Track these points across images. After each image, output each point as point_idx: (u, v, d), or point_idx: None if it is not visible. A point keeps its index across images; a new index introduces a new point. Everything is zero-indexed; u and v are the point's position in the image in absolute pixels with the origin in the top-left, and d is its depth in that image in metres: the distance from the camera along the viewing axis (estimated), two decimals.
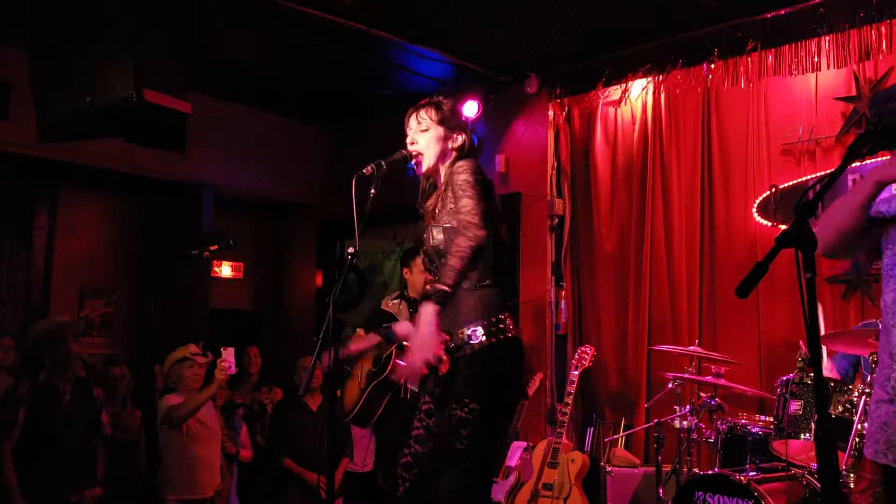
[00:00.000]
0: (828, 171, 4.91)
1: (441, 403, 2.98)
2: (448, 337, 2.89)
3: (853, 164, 2.83)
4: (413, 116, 3.12)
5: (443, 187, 3.10)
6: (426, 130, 3.08)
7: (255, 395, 6.14)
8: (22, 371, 4.73)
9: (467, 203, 2.88)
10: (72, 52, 4.12)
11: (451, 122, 3.12)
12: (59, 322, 4.70)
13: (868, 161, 4.36)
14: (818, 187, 1.98)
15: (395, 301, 5.30)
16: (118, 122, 4.49)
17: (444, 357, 2.89)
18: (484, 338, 2.87)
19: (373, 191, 3.02)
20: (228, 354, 4.66)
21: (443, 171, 3.11)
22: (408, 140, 3.10)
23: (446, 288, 2.78)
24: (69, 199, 7.19)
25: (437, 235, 3.00)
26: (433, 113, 3.09)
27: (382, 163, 2.96)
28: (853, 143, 2.13)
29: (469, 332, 2.89)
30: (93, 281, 7.30)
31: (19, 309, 6.84)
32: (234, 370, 4.68)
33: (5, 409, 4.28)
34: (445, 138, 3.09)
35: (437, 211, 3.07)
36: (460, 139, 3.11)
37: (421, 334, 2.74)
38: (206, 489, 4.84)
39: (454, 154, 3.10)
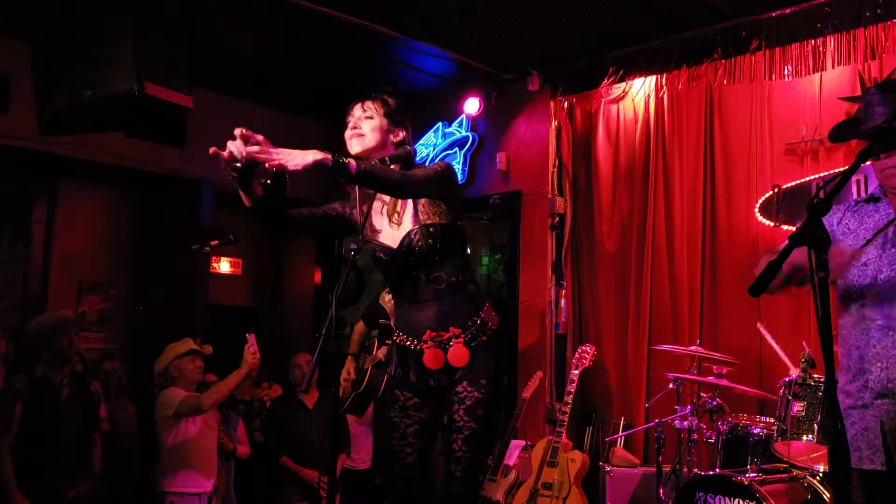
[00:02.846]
0: (832, 171, 4.91)
1: (432, 394, 3.07)
2: (459, 330, 3.00)
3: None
4: (358, 105, 3.16)
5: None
6: (370, 118, 3.11)
7: (255, 392, 6.12)
8: (18, 365, 4.70)
9: (435, 168, 3.04)
10: (73, 45, 4.09)
11: (396, 115, 3.16)
12: (63, 318, 4.67)
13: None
14: (829, 187, 1.95)
15: (390, 297, 5.31)
16: (119, 116, 4.45)
17: (464, 349, 2.98)
18: (491, 323, 3.06)
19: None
20: (253, 339, 4.67)
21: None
22: (349, 126, 3.13)
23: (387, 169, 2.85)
24: (68, 193, 7.15)
25: (425, 233, 3.01)
26: (379, 106, 3.13)
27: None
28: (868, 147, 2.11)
29: (479, 321, 3.03)
30: (91, 276, 7.26)
31: (17, 303, 6.80)
32: (258, 354, 4.69)
33: (2, 404, 4.25)
34: (388, 131, 3.13)
35: (400, 213, 3.09)
36: (402, 134, 3.16)
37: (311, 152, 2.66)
38: (203, 483, 4.81)
39: (393, 149, 3.13)
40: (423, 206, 3.05)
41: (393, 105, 3.16)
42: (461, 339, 3.00)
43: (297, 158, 2.63)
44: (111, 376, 5.67)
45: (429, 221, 3.02)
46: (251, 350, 4.66)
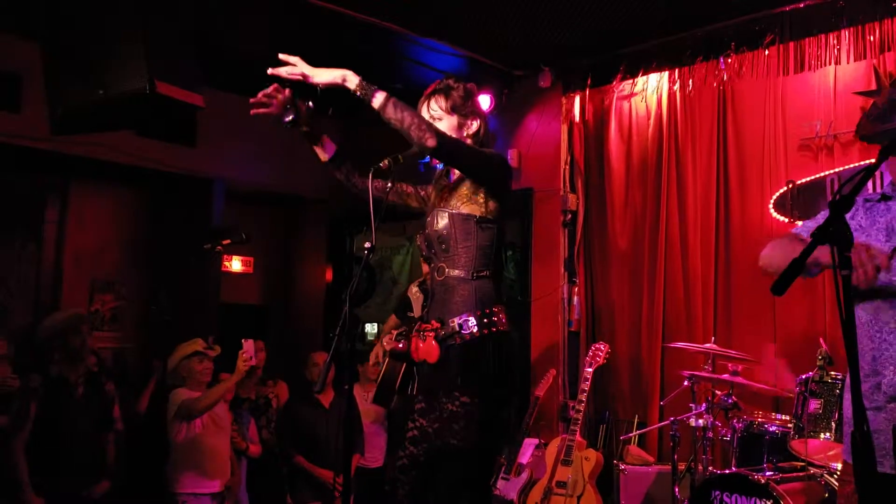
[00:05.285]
0: (848, 166, 4.86)
1: (431, 399, 2.93)
2: (439, 325, 2.86)
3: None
4: (424, 107, 3.04)
5: (458, 177, 3.05)
6: (439, 120, 3.00)
7: (260, 390, 6.11)
8: (33, 364, 4.70)
9: (489, 151, 3.00)
10: (84, 44, 4.07)
11: (463, 108, 3.04)
12: (74, 316, 4.67)
13: None
14: (852, 184, 1.92)
15: (416, 289, 5.31)
16: (130, 115, 4.44)
17: (434, 343, 2.84)
18: (476, 329, 2.83)
19: (389, 185, 2.97)
20: (249, 346, 4.63)
21: None
22: None
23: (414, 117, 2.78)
24: (80, 193, 7.16)
25: (441, 220, 2.96)
26: (443, 101, 3.02)
27: (399, 157, 2.90)
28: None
29: (461, 321, 2.85)
30: (103, 275, 7.27)
31: (30, 302, 6.82)
32: (254, 361, 4.65)
33: (17, 403, 4.26)
34: (459, 127, 3.02)
35: (446, 196, 3.02)
36: (475, 125, 3.05)
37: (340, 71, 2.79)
38: (215, 483, 4.81)
39: (470, 142, 3.04)
40: (464, 190, 2.96)
41: (458, 96, 3.03)
42: (433, 334, 2.84)
43: (323, 74, 2.77)
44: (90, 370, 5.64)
45: (454, 210, 2.93)
46: (244, 357, 4.61)
